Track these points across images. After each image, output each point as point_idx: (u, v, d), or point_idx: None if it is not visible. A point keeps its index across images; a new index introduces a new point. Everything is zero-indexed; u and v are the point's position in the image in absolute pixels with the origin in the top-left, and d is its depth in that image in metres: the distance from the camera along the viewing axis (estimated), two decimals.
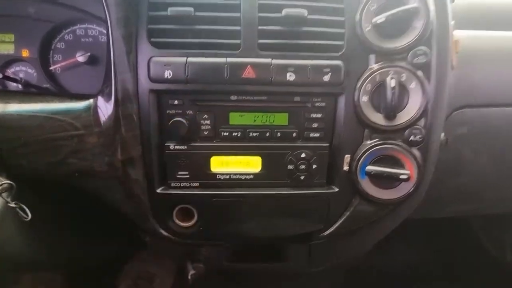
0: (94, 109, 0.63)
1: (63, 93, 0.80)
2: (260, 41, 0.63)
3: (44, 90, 0.80)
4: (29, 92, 0.76)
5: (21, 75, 0.80)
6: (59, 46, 0.83)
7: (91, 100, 0.63)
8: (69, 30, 0.83)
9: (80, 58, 0.80)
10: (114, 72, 0.61)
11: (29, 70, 0.81)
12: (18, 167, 0.63)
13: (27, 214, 0.54)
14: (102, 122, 0.62)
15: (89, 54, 0.80)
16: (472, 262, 1.58)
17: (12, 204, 0.53)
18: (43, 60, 0.81)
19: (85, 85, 0.82)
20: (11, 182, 0.54)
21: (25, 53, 0.81)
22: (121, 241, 1.12)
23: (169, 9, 0.61)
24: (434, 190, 0.79)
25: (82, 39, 0.83)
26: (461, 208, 1.01)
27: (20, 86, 0.77)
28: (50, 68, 0.81)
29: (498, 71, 0.78)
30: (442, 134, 0.70)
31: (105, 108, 0.62)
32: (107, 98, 0.62)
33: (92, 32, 0.82)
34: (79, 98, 0.65)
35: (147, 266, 1.39)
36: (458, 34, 0.70)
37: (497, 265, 1.52)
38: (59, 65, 0.81)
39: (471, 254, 1.59)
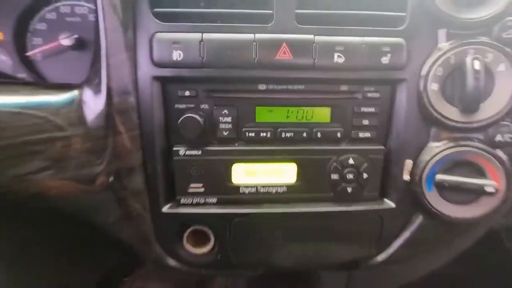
0: (78, 103, 0.47)
1: (42, 84, 0.64)
2: (299, 11, 0.49)
3: (19, 81, 0.64)
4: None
5: None
6: (39, 27, 0.68)
7: (75, 92, 0.47)
8: (51, 7, 0.68)
9: (65, 41, 0.66)
10: (106, 53, 0.46)
11: (2, 57, 0.66)
12: None
13: None
14: (89, 120, 0.47)
15: (76, 36, 0.66)
16: (499, 267, 1.44)
17: None
18: (19, 44, 0.66)
19: (71, 75, 0.67)
20: None
21: None
22: (115, 259, 0.96)
23: None
24: None
25: (68, 19, 0.68)
26: None
27: None
28: (28, 54, 0.66)
29: None
30: None
31: (93, 102, 0.47)
32: (96, 89, 0.47)
33: (80, 10, 0.68)
34: (61, 88, 0.49)
35: (147, 283, 1.23)
36: None
37: None
38: (38, 50, 0.66)
39: (497, 258, 1.45)
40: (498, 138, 0.50)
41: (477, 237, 0.60)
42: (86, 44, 0.67)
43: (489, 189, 0.49)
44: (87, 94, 0.47)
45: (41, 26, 0.67)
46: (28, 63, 0.66)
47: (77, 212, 0.51)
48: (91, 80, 0.47)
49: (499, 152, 0.51)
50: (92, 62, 0.48)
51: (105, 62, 0.46)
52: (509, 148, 0.51)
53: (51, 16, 0.67)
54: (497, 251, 1.39)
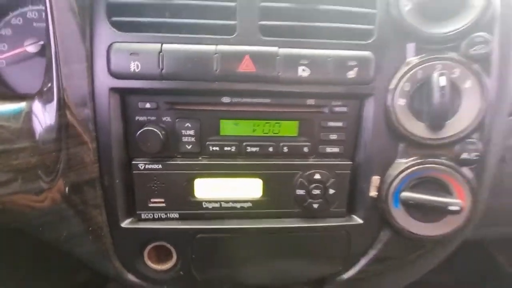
0: (26, 115, 0.45)
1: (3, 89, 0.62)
2: (263, 22, 0.48)
3: None
4: None
5: None
6: (3, 33, 0.66)
7: (22, 104, 0.45)
8: (17, 12, 0.66)
9: (30, 47, 0.64)
10: (56, 62, 0.44)
11: None
12: None
13: None
14: (37, 133, 0.45)
15: (42, 43, 0.63)
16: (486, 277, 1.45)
17: None
18: None
19: (37, 82, 0.64)
20: None
21: None
22: (86, 274, 0.93)
23: None
24: None
25: (35, 24, 0.66)
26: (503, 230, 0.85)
27: None
28: None
29: None
30: None
31: (43, 114, 0.45)
32: (47, 100, 0.45)
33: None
34: (13, 99, 0.47)
35: None
36: None
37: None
38: (3, 56, 0.64)
39: (484, 269, 1.46)
40: (464, 156, 0.50)
41: (446, 253, 0.59)
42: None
43: (453, 208, 0.48)
44: (37, 106, 0.45)
45: (6, 32, 0.65)
46: None
47: (30, 231, 0.49)
48: (43, 91, 0.46)
49: (465, 170, 0.50)
50: (46, 70, 0.46)
51: (56, 71, 0.44)
52: (475, 165, 0.50)
53: (17, 21, 0.65)
54: (483, 260, 1.39)
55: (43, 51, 0.64)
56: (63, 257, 0.79)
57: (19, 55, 0.64)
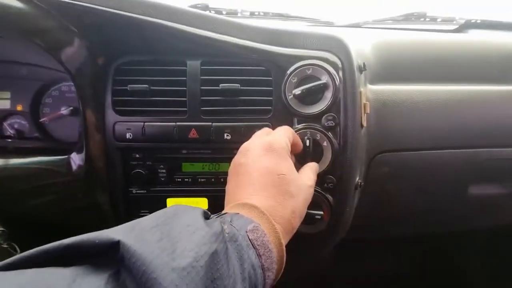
0: (68, 163, 0.79)
1: (48, 139, 0.97)
2: (203, 108, 0.78)
3: (34, 138, 0.96)
4: (22, 147, 0.93)
5: (16, 126, 0.97)
6: (47, 101, 0.99)
7: (66, 156, 0.79)
8: (56, 87, 0.99)
9: (64, 111, 0.97)
10: (86, 136, 0.78)
11: (22, 122, 0.97)
12: (11, 211, 0.79)
13: (16, 251, 0.70)
14: (76, 174, 0.79)
15: (71, 108, 0.97)
16: (438, 270, 1.74)
17: (5, 245, 0.70)
18: (34, 113, 0.97)
19: (68, 131, 0.99)
20: (3, 229, 0.71)
21: (19, 108, 0.97)
22: None
23: (128, 86, 0.77)
24: (369, 217, 0.96)
25: (66, 94, 0.99)
26: (396, 232, 1.17)
27: (14, 136, 0.94)
28: (40, 120, 0.97)
29: (407, 122, 0.93)
30: (357, 178, 0.86)
31: (78, 163, 0.79)
32: (80, 155, 0.79)
33: (73, 88, 0.97)
34: (63, 145, 0.82)
35: None
36: (379, 89, 0.88)
37: (461, 273, 1.69)
38: (47, 117, 0.98)
39: (438, 263, 1.74)
40: (325, 185, 0.80)
41: (329, 245, 0.92)
42: (77, 111, 0.98)
43: (317, 217, 0.80)
44: (74, 157, 0.80)
45: (49, 100, 0.97)
46: (40, 125, 0.99)
47: (74, 225, 0.84)
48: (78, 149, 0.80)
49: (327, 194, 0.82)
50: (78, 139, 0.80)
51: (85, 141, 0.78)
52: (333, 192, 0.82)
53: (56, 93, 0.98)
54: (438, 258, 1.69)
55: (73, 113, 0.98)
56: None
57: (58, 115, 0.98)
